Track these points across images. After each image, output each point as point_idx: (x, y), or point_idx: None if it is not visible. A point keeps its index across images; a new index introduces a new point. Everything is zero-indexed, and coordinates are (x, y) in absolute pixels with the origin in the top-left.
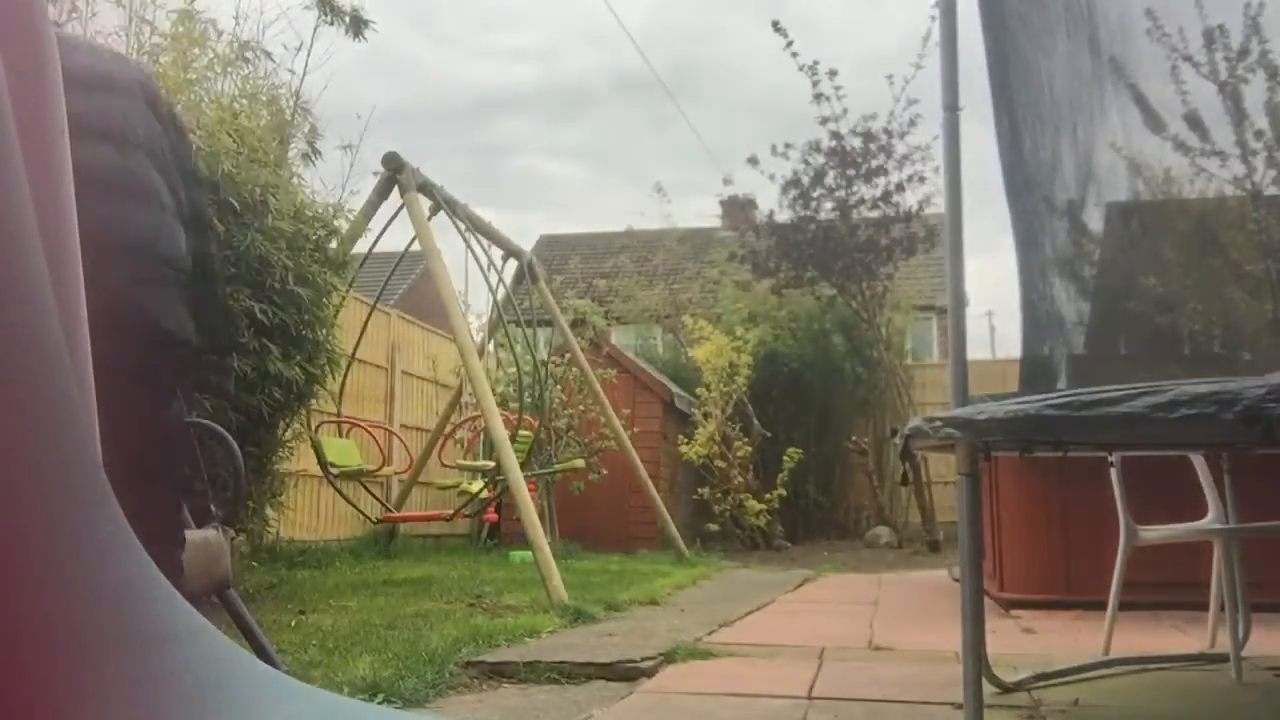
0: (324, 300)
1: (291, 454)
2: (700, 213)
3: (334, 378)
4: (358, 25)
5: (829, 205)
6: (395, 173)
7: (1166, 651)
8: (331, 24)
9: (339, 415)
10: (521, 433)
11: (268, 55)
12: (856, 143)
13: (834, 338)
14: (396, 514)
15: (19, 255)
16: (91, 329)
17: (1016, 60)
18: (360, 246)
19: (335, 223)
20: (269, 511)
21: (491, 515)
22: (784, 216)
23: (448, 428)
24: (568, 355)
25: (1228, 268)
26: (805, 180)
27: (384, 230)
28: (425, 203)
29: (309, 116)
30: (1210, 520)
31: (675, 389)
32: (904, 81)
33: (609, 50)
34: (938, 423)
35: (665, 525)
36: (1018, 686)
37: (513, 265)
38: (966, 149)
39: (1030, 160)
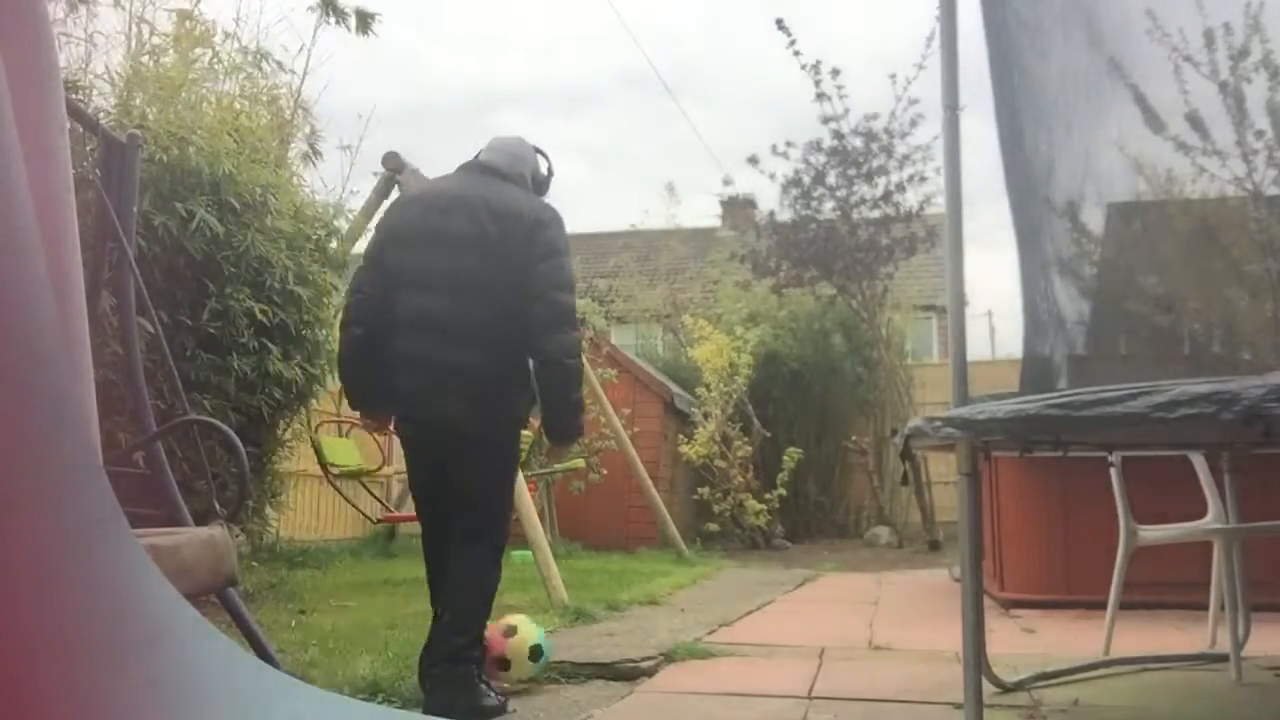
0: (324, 300)
1: (291, 454)
2: (702, 211)
3: (334, 378)
4: (364, 22)
5: (830, 205)
6: (395, 172)
7: (1166, 651)
8: (336, 24)
9: (339, 415)
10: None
11: (273, 61)
12: (858, 142)
13: (834, 338)
14: (397, 514)
15: (19, 256)
16: None
17: (1017, 60)
18: (360, 246)
19: (335, 223)
20: (269, 511)
21: None
22: (785, 216)
23: None
24: None
25: (1228, 267)
26: (806, 180)
27: None
28: None
29: (309, 117)
30: (1210, 520)
31: (675, 389)
32: (906, 81)
33: (609, 48)
34: (938, 423)
35: (665, 525)
36: (1018, 686)
37: None
38: (967, 149)
39: (1030, 160)
